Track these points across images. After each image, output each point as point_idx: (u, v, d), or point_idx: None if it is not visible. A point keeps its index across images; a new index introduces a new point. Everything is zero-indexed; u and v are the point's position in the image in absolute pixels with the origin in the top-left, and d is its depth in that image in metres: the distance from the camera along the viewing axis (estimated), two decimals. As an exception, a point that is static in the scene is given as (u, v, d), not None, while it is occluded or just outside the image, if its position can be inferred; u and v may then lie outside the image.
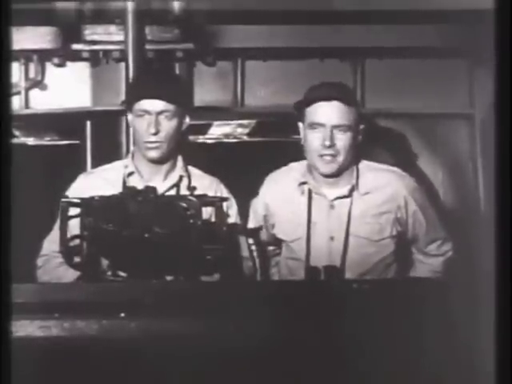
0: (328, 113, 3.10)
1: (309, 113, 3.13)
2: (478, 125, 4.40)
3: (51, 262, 3.12)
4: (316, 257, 3.12)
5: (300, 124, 3.19)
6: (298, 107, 3.16)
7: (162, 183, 3.13)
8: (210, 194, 3.03)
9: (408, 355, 2.29)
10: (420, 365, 2.29)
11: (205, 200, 2.78)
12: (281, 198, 3.25)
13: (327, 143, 3.08)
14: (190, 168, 3.24)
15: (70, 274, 2.87)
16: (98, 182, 3.17)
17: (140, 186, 2.88)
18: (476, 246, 3.13)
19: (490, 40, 2.29)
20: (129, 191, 2.80)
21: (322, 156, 3.11)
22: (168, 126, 3.10)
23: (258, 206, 3.29)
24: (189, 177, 3.19)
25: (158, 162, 3.16)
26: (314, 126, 3.11)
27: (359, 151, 3.21)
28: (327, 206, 3.18)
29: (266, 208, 3.27)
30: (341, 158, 3.11)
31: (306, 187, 3.21)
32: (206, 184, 3.19)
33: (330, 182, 3.17)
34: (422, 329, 2.29)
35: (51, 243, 3.07)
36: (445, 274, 3.23)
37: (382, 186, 3.18)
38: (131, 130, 3.27)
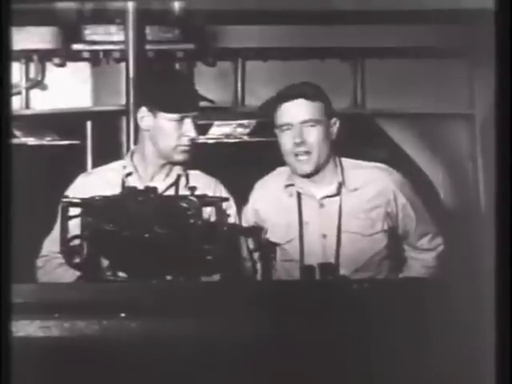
0: (293, 111, 3.13)
1: (277, 116, 3.16)
2: (479, 125, 4.41)
3: (51, 263, 3.12)
4: (310, 256, 3.13)
5: (276, 131, 3.22)
6: (267, 113, 3.20)
7: (160, 182, 3.14)
8: (209, 193, 3.04)
9: (407, 354, 2.29)
10: (420, 364, 2.29)
11: (205, 200, 2.78)
12: (270, 203, 3.26)
13: (297, 140, 3.12)
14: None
15: (69, 275, 2.87)
16: (98, 182, 3.17)
17: (139, 185, 2.88)
18: (476, 245, 3.14)
19: (490, 40, 2.30)
20: (129, 191, 2.79)
21: (296, 155, 3.14)
22: (194, 129, 3.14)
23: (248, 214, 3.30)
24: (187, 175, 3.20)
25: (185, 163, 3.18)
26: (283, 127, 3.15)
27: (337, 147, 3.23)
28: (316, 205, 3.20)
29: (256, 214, 3.28)
30: (315, 155, 3.14)
31: (293, 189, 3.23)
32: (204, 184, 3.19)
33: (315, 180, 3.19)
34: (422, 328, 2.29)
35: (51, 244, 3.08)
36: (438, 270, 3.24)
37: (370, 182, 3.20)
38: (155, 131, 3.18)
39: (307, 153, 3.14)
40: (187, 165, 3.22)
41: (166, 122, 3.13)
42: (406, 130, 4.45)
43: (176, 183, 3.19)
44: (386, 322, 2.29)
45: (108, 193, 2.77)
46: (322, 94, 3.21)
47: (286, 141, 3.16)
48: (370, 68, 4.42)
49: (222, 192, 3.21)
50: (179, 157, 3.15)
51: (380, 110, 4.44)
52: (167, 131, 3.13)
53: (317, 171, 3.17)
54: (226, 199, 3.00)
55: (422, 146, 4.46)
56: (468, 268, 2.99)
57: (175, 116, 3.11)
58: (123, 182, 3.17)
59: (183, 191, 3.13)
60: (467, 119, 4.45)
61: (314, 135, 3.14)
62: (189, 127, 3.11)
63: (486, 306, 2.22)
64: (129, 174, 3.18)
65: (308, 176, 3.18)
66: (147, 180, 3.15)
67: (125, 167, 3.21)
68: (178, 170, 3.19)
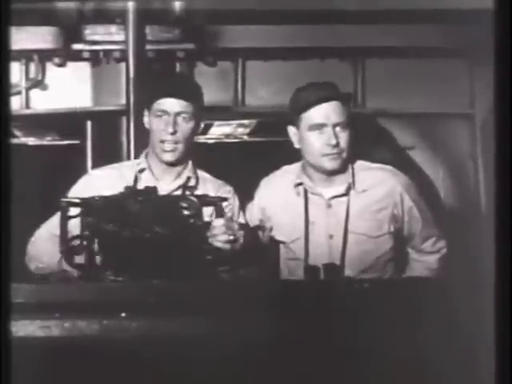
0: (328, 112, 3.13)
1: (307, 115, 3.15)
2: (479, 125, 4.41)
3: (41, 237, 3.13)
4: (316, 256, 3.14)
5: (291, 128, 3.22)
6: (295, 113, 3.19)
7: (171, 182, 3.18)
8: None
9: (408, 355, 2.29)
10: (420, 364, 2.29)
11: (205, 200, 2.78)
12: (277, 201, 3.26)
13: (333, 142, 3.12)
14: (200, 172, 3.26)
15: (56, 249, 2.85)
16: (112, 176, 3.20)
17: (150, 183, 2.96)
18: (477, 246, 3.14)
19: (490, 40, 2.29)
20: (129, 191, 2.80)
21: (326, 155, 3.14)
22: (185, 127, 3.14)
23: (253, 211, 3.30)
24: (196, 178, 3.22)
25: (172, 164, 3.18)
26: (314, 127, 3.14)
27: (356, 149, 3.24)
28: (324, 205, 3.20)
29: (261, 212, 3.28)
30: (345, 155, 3.15)
31: (301, 188, 3.23)
32: (212, 188, 3.21)
33: (326, 180, 3.20)
34: (422, 328, 2.30)
35: (45, 230, 3.10)
36: (440, 272, 3.25)
37: (378, 184, 3.21)
38: (150, 130, 3.21)
39: (338, 154, 3.15)
40: (197, 168, 3.24)
41: (153, 118, 3.16)
42: (406, 130, 4.46)
43: (185, 185, 3.20)
44: (385, 322, 2.29)
45: (121, 187, 2.78)
46: (351, 98, 3.26)
47: (316, 141, 3.15)
48: (371, 68, 4.42)
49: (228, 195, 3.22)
50: (165, 157, 3.16)
51: (380, 110, 4.44)
52: (154, 127, 3.17)
53: (341, 170, 3.19)
54: (226, 199, 3.00)
55: (422, 145, 4.46)
56: (469, 268, 2.99)
57: (158, 112, 3.13)
58: (136, 178, 3.19)
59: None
60: (468, 119, 4.45)
61: (345, 138, 3.15)
62: (167, 122, 3.11)
63: (486, 306, 2.22)
64: (142, 171, 3.21)
65: (333, 173, 3.18)
66: (159, 179, 3.18)
67: (139, 164, 3.24)
68: (188, 172, 3.21)
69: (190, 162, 3.23)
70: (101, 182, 3.14)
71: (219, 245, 2.82)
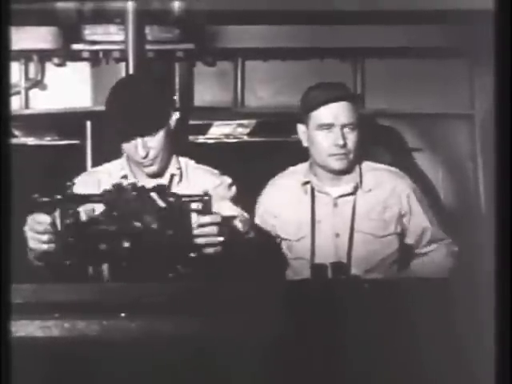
0: (337, 113, 3.14)
1: (316, 114, 3.16)
2: (478, 125, 4.41)
3: None
4: (322, 254, 3.15)
5: (301, 126, 3.22)
6: (304, 111, 3.19)
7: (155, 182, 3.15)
8: (201, 184, 3.03)
9: (409, 355, 2.29)
10: (420, 364, 2.29)
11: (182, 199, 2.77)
12: (284, 200, 3.27)
13: (340, 142, 3.13)
14: (186, 160, 3.24)
15: None
16: (101, 179, 3.19)
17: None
18: (477, 246, 3.14)
19: (490, 40, 2.29)
20: (114, 189, 2.78)
21: (333, 155, 3.15)
22: (155, 142, 3.09)
23: (258, 209, 3.30)
24: (181, 174, 3.18)
25: (158, 175, 3.16)
26: (322, 127, 3.15)
27: (363, 150, 3.25)
28: (331, 203, 3.21)
29: (268, 211, 3.29)
30: (351, 156, 3.16)
31: (308, 186, 3.23)
32: (199, 175, 3.18)
33: (334, 179, 3.20)
34: (423, 328, 2.29)
35: None
36: (446, 270, 3.25)
37: (384, 184, 3.23)
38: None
39: (345, 155, 3.16)
40: (180, 160, 3.21)
41: (124, 144, 3.13)
42: (406, 130, 4.46)
43: (170, 182, 3.17)
44: (385, 322, 2.29)
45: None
46: (361, 99, 3.26)
47: (324, 140, 3.16)
48: (370, 68, 4.42)
49: (208, 180, 3.17)
50: (146, 170, 3.14)
51: (380, 110, 4.44)
52: (127, 151, 3.14)
53: (347, 171, 3.19)
54: (206, 194, 2.91)
55: (422, 146, 4.47)
56: (469, 268, 2.99)
57: (125, 138, 3.10)
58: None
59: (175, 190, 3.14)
60: (467, 119, 4.45)
61: (353, 139, 3.16)
62: (136, 145, 3.07)
63: (486, 306, 2.22)
64: (124, 177, 3.18)
65: (339, 173, 3.19)
66: (142, 180, 3.13)
67: (122, 169, 3.22)
68: (171, 169, 3.18)
69: (173, 158, 3.19)
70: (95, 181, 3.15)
71: (202, 243, 2.71)
